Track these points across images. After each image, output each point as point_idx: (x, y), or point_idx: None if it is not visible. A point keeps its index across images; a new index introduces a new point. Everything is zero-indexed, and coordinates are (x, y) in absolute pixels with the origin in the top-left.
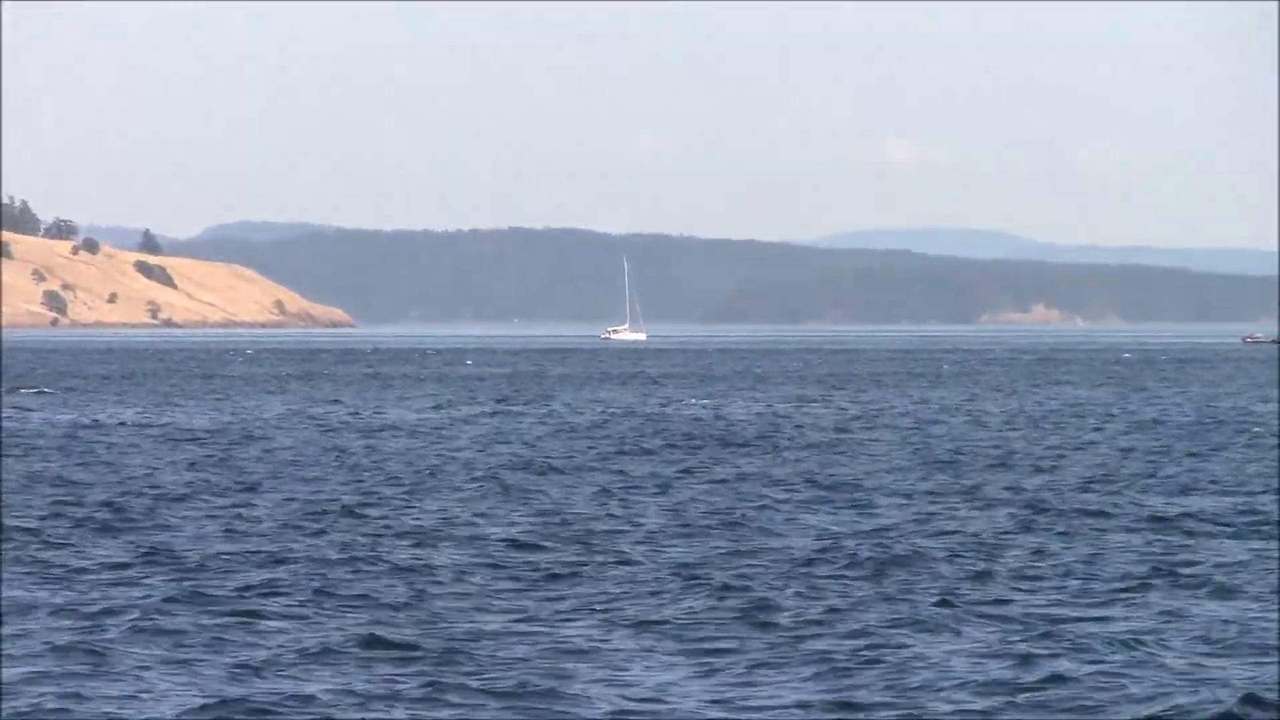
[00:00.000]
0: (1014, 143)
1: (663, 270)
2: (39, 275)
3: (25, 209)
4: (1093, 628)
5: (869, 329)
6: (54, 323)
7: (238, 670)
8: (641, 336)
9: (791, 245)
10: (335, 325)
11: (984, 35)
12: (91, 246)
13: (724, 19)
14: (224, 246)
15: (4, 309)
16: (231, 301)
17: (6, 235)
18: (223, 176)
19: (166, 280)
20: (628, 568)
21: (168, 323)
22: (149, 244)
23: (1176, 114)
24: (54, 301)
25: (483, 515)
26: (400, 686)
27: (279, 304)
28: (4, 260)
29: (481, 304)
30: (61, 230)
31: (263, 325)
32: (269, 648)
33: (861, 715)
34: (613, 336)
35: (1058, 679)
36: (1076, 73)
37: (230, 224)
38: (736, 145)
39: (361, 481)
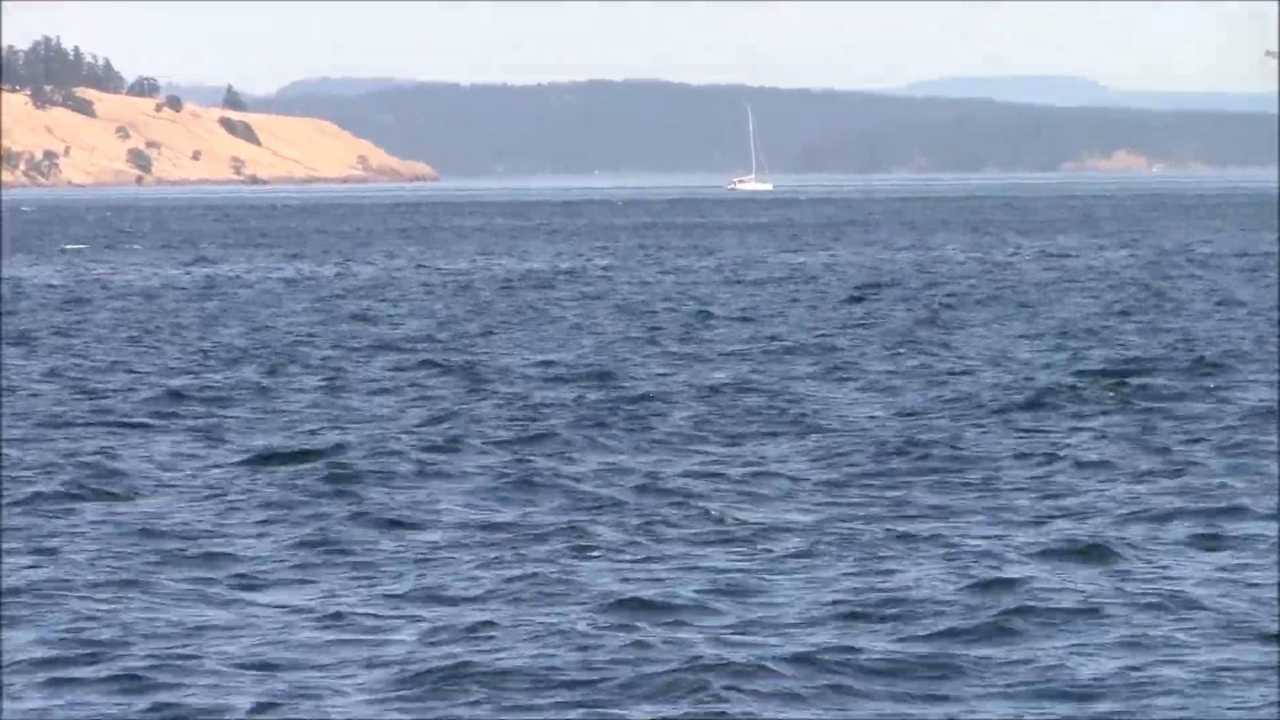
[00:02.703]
0: None
1: (742, 121)
2: (123, 133)
3: (108, 66)
4: None
5: (958, 177)
6: (139, 180)
7: None
8: (768, 186)
9: (871, 94)
10: (419, 179)
11: None
12: (175, 104)
13: None
14: (305, 103)
15: (90, 168)
16: (314, 157)
17: (91, 94)
18: (301, 31)
19: (250, 137)
20: None
21: (252, 179)
22: (232, 101)
23: None
24: (139, 159)
25: None
26: None
27: (362, 159)
28: (88, 119)
29: (564, 157)
30: (144, 88)
31: (345, 181)
32: None
33: None
34: (739, 187)
35: None
36: None
37: (310, 80)
38: None
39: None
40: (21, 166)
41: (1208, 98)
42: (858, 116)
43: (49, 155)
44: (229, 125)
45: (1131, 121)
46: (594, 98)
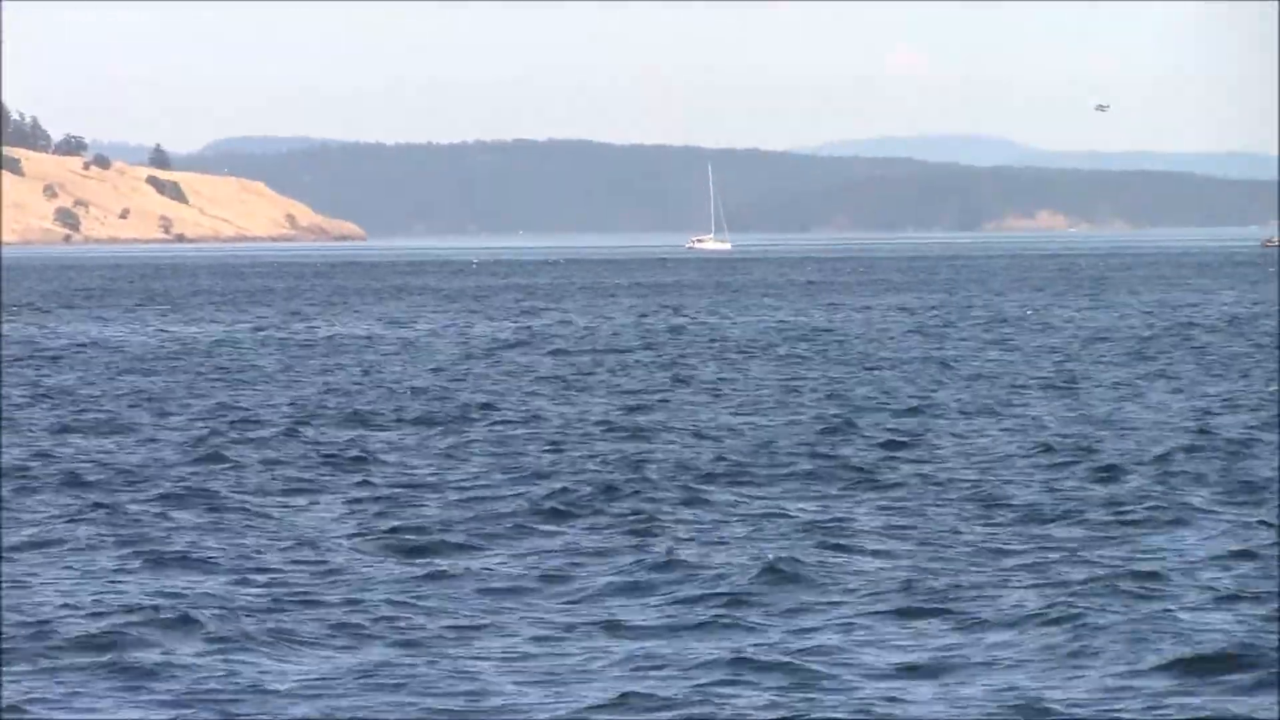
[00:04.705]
0: (1014, 49)
1: (664, 181)
2: (51, 191)
3: (36, 125)
4: None
5: (882, 237)
6: (66, 239)
7: None
8: (727, 245)
9: (792, 155)
10: (346, 239)
11: None
12: (103, 162)
13: None
14: (229, 161)
15: (16, 226)
16: (243, 216)
17: (18, 152)
18: (224, 89)
19: (178, 195)
20: None
21: (180, 238)
22: (160, 159)
23: (1173, 18)
24: (66, 218)
25: None
26: None
27: (290, 218)
28: (16, 177)
29: (487, 216)
30: (72, 146)
31: (274, 239)
32: None
33: None
34: (697, 246)
35: None
36: None
37: (233, 138)
38: (738, 55)
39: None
40: None
41: (1130, 157)
42: (781, 177)
43: None
44: (157, 184)
45: (1051, 181)
46: (518, 157)
